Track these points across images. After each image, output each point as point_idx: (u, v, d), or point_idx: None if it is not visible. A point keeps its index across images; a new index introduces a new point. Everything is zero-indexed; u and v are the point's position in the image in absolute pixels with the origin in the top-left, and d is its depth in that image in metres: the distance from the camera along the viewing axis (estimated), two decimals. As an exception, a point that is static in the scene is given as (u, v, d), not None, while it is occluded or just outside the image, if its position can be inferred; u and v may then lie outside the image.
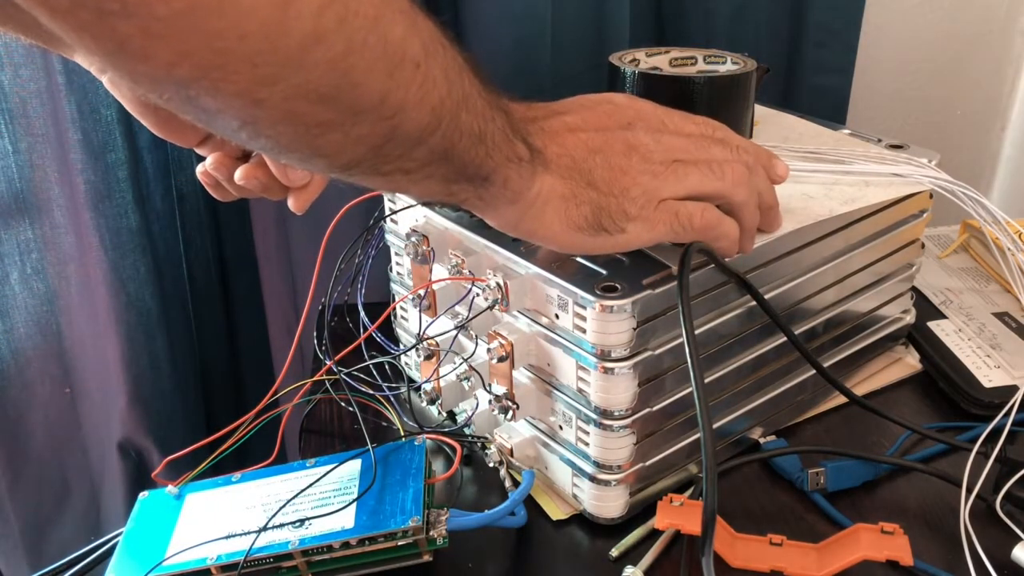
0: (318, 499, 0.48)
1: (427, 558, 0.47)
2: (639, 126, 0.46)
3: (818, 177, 0.58)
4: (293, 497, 0.48)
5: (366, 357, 0.61)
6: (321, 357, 0.63)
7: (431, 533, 0.45)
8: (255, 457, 0.57)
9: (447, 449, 0.57)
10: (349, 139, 0.34)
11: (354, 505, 0.47)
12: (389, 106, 0.33)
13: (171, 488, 0.52)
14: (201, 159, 0.50)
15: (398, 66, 0.33)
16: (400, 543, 0.45)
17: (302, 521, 0.46)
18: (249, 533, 0.46)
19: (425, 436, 0.53)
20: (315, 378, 0.63)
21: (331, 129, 0.33)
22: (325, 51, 0.30)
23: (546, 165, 0.43)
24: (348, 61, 0.31)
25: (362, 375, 0.63)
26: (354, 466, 0.50)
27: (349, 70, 0.31)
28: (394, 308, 0.66)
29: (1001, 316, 0.69)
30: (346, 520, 0.46)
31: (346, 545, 0.45)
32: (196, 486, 0.52)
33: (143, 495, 0.52)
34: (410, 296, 0.58)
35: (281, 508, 0.47)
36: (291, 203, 0.51)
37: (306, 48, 0.29)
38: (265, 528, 0.46)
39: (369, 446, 0.51)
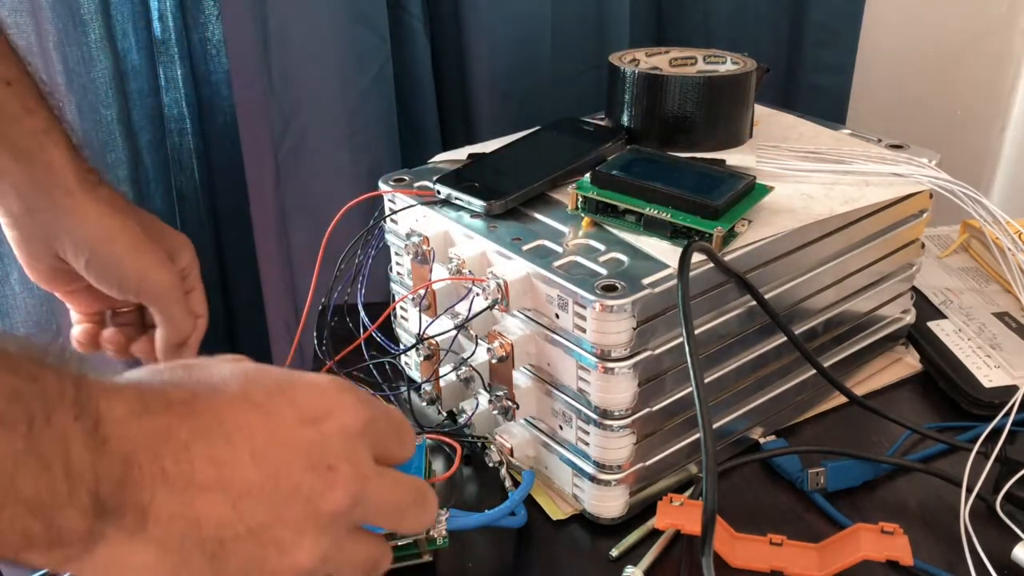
0: None
1: (427, 558, 0.46)
2: (341, 478, 0.32)
3: (818, 177, 0.58)
4: None
5: (366, 357, 0.61)
6: (321, 357, 0.63)
7: (431, 533, 0.45)
8: None
9: (447, 449, 0.57)
10: None
11: None
12: None
13: None
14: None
15: None
16: (400, 543, 0.45)
17: None
18: None
19: (425, 436, 0.52)
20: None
21: None
22: None
23: (140, 526, 0.28)
24: None
25: (362, 375, 0.63)
26: None
27: None
28: (394, 308, 0.66)
29: (1001, 316, 0.69)
30: None
31: None
32: None
33: None
34: (410, 296, 0.58)
35: None
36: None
37: None
38: None
39: None
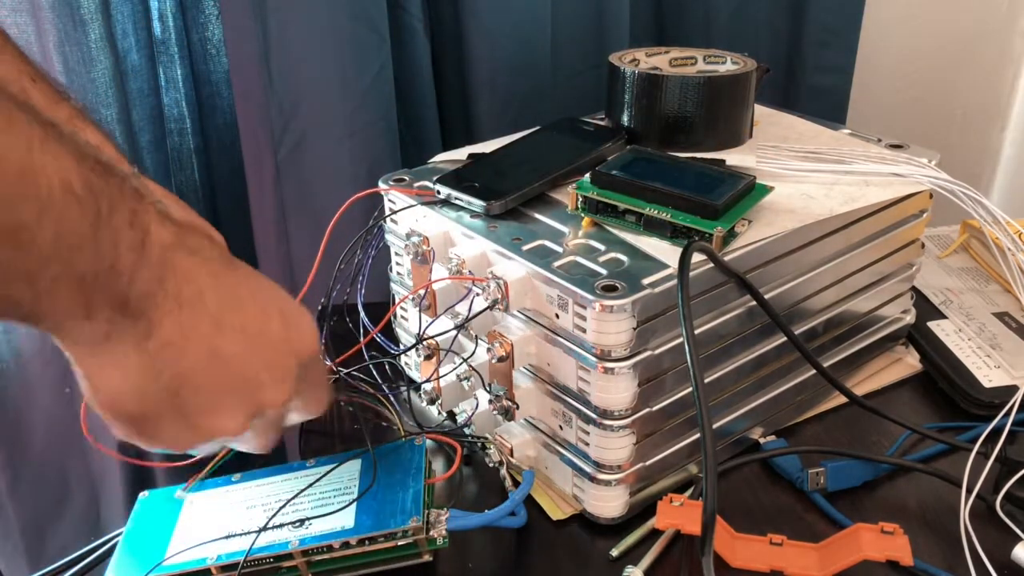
0: (318, 499, 0.48)
1: (427, 558, 0.46)
2: (287, 388, 0.40)
3: (818, 177, 0.58)
4: (293, 497, 0.48)
5: (366, 357, 0.61)
6: (320, 357, 0.63)
7: (431, 533, 0.45)
8: (255, 457, 0.57)
9: (447, 449, 0.57)
10: None
11: (354, 505, 0.47)
12: None
13: (180, 493, 0.52)
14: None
15: None
16: (400, 543, 0.45)
17: (302, 521, 0.46)
18: (249, 533, 0.46)
19: (425, 436, 0.52)
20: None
21: None
22: None
23: (143, 338, 0.34)
24: None
25: (362, 375, 0.63)
26: (354, 466, 0.50)
27: None
28: (395, 309, 0.66)
29: (1001, 316, 0.69)
30: (346, 520, 0.46)
31: (346, 545, 0.45)
32: (196, 486, 0.52)
33: (143, 495, 0.52)
34: (410, 296, 0.58)
35: (281, 508, 0.47)
36: None
37: None
38: (265, 528, 0.46)
39: (369, 446, 0.50)
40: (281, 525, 0.46)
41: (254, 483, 0.51)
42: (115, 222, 0.31)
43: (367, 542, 0.45)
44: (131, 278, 0.32)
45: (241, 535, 0.46)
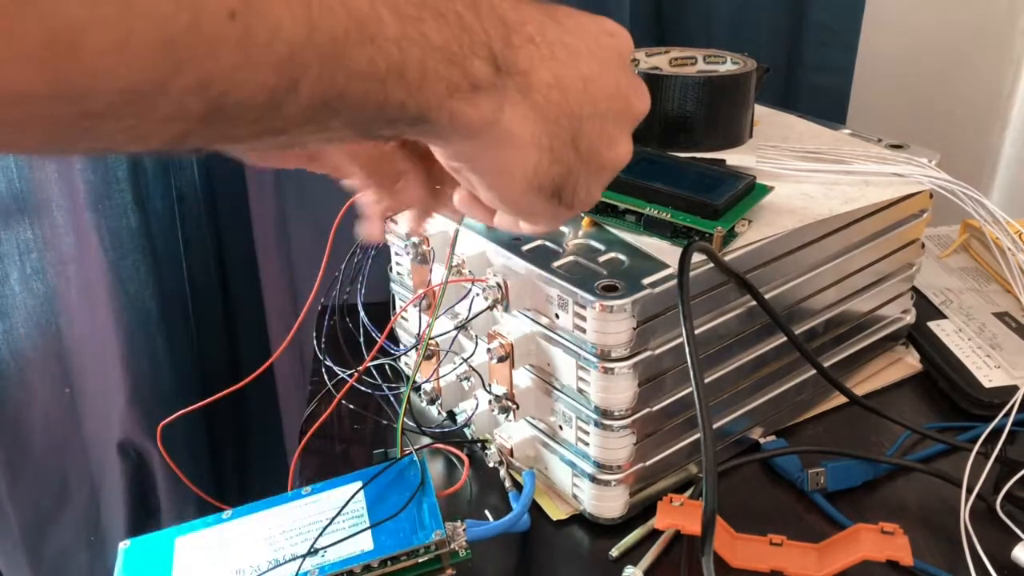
0: (328, 526, 0.46)
1: (450, 572, 0.45)
2: (643, 85, 0.38)
3: (818, 177, 0.58)
4: (329, 522, 0.46)
5: (366, 357, 0.61)
6: (321, 358, 0.63)
7: (452, 546, 0.44)
8: (258, 479, 0.56)
9: (447, 455, 0.57)
10: (133, 130, 0.24)
11: (369, 528, 0.45)
12: (179, 90, 0.23)
13: (226, 512, 0.48)
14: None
15: (186, 32, 0.22)
16: (422, 559, 0.44)
17: (317, 550, 0.44)
18: (262, 573, 0.44)
19: (422, 449, 0.51)
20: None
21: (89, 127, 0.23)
22: None
23: (527, 91, 0.32)
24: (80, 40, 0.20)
25: (362, 375, 0.63)
26: (354, 488, 0.48)
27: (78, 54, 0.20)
28: (394, 313, 0.66)
29: (1001, 316, 0.69)
30: (364, 543, 0.45)
31: (367, 568, 0.44)
32: (184, 528, 0.48)
33: (124, 545, 0.47)
34: (419, 300, 0.58)
35: (323, 534, 0.45)
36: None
37: None
38: (279, 563, 0.44)
39: (377, 453, 0.50)
40: (294, 557, 0.44)
41: (248, 518, 0.48)
42: None
43: (389, 563, 0.44)
44: (485, 32, 0.30)
45: (251, 572, 0.44)
